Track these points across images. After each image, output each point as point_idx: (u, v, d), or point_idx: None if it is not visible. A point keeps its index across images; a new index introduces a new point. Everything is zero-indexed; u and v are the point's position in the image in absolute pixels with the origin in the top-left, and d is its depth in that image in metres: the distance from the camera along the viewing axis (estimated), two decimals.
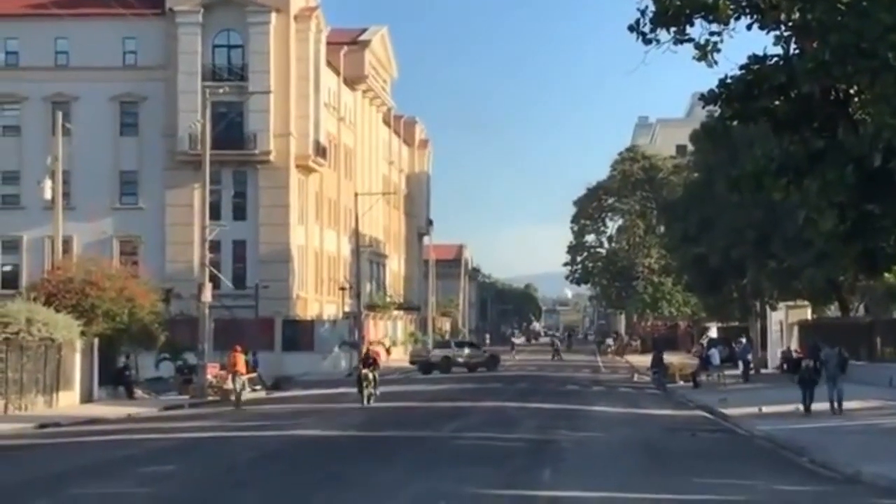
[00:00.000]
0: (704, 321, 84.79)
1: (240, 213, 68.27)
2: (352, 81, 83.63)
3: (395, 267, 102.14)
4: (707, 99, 23.27)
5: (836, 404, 31.60)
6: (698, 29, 22.61)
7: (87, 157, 64.84)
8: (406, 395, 44.05)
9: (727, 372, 49.52)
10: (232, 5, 68.51)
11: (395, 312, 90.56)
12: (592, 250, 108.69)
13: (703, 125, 55.12)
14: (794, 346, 54.28)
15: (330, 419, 33.36)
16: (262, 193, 68.65)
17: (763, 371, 55.24)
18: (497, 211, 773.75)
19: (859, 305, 58.36)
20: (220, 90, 57.32)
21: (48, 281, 43.01)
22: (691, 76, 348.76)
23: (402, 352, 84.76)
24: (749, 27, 22.75)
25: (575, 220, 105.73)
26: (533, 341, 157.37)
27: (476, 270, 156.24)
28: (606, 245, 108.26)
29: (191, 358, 47.11)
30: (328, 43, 75.32)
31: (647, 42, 22.71)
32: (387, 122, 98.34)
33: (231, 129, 64.26)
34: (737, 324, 71.10)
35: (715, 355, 50.03)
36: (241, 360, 42.39)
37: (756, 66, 22.35)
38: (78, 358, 39.72)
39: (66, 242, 54.01)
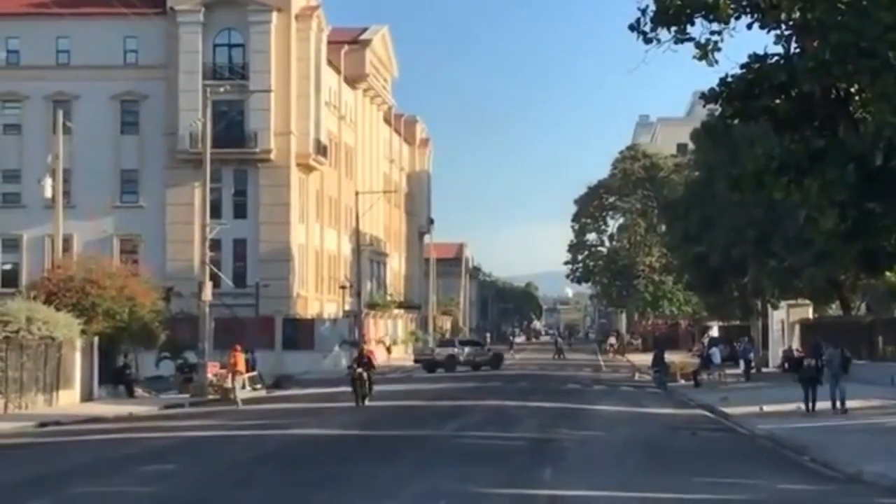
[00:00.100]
0: (705, 320, 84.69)
1: (240, 211, 68.23)
2: (352, 80, 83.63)
3: (396, 265, 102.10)
4: (708, 98, 23.29)
5: (837, 403, 31.60)
6: (699, 28, 22.70)
7: (88, 155, 64.90)
8: (407, 393, 44.04)
9: (728, 371, 49.60)
10: (233, 4, 68.46)
11: (396, 311, 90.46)
12: (593, 249, 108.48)
13: (703, 124, 55.12)
14: (795, 345, 54.17)
15: (330, 418, 33.35)
16: (263, 192, 68.63)
17: (764, 370, 55.19)
18: (498, 210, 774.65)
19: (860, 304, 58.30)
20: (221, 89, 57.20)
21: (48, 279, 42.99)
22: (692, 75, 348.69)
23: (403, 350, 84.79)
24: (749, 26, 22.78)
25: (576, 218, 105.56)
26: (533, 340, 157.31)
27: (477, 269, 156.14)
28: (607, 244, 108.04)
29: (191, 357, 47.06)
30: (329, 42, 75.34)
31: (648, 41, 22.74)
32: (387, 121, 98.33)
33: (232, 128, 64.39)
34: (738, 323, 71.07)
35: (716, 354, 50.04)
36: (241, 359, 42.38)
37: (757, 65, 22.36)
38: (78, 357, 39.70)
39: (67, 241, 54.08)
